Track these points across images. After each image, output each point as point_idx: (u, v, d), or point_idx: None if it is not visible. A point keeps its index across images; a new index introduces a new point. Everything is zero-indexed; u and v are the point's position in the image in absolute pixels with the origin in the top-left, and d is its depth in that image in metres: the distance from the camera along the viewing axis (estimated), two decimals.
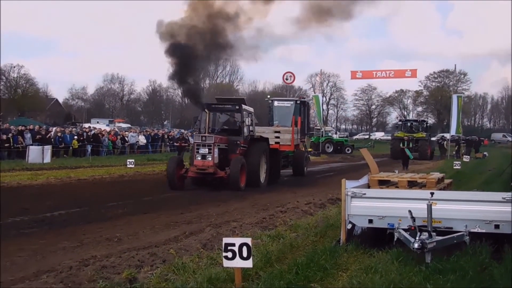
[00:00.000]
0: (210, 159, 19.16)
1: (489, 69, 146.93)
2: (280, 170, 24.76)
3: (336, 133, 71.97)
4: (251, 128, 22.21)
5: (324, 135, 58.35)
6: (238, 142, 20.71)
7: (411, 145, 36.83)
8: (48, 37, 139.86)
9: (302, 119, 28.65)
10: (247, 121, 21.58)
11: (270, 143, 23.76)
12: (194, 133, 27.67)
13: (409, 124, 54.87)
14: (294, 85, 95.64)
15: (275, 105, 30.91)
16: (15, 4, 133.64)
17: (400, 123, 58.46)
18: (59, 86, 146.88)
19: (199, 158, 19.34)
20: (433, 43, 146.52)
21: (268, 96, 39.92)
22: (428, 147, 49.07)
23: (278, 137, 26.02)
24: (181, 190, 19.38)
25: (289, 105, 30.30)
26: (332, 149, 56.81)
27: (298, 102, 30.28)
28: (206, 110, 20.85)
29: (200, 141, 19.49)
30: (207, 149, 19.21)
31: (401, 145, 35.32)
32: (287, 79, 51.56)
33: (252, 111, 23.08)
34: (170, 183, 19.54)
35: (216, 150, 19.37)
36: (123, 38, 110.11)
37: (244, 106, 21.41)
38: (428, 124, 57.91)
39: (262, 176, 21.45)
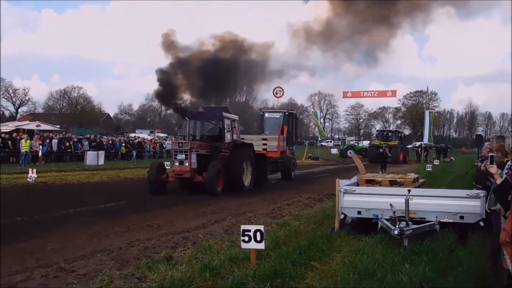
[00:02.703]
0: (187, 164, 16.70)
1: (456, 89, 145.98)
2: (269, 174, 22.37)
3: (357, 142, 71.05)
4: (234, 135, 19.29)
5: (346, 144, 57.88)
6: (220, 147, 18.12)
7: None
8: (102, 62, 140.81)
9: (289, 129, 26.38)
10: (228, 127, 18.62)
11: (258, 149, 21.70)
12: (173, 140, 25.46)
13: (385, 133, 54.23)
14: (297, 103, 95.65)
15: (265, 116, 28.91)
16: (76, 32, 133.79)
17: (378, 132, 57.97)
18: (110, 104, 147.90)
19: (177, 164, 16.92)
20: (410, 68, 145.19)
21: (260, 109, 38.38)
22: (401, 153, 48.06)
23: (265, 144, 23.35)
24: (162, 194, 16.71)
25: (278, 116, 27.86)
26: (352, 154, 54.48)
27: (287, 113, 28.02)
28: (187, 118, 18.93)
29: (177, 148, 17.12)
30: (184, 155, 16.78)
31: (380, 150, 34.99)
32: (276, 93, 47.38)
33: (236, 118, 20.31)
34: (150, 188, 16.87)
35: (193, 156, 16.96)
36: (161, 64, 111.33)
37: (226, 114, 18.70)
38: (402, 134, 57.29)
39: (247, 180, 18.75)
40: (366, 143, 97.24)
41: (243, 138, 21.40)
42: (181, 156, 16.86)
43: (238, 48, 20.23)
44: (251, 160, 19.12)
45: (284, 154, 24.53)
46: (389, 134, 53.60)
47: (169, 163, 18.35)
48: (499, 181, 5.61)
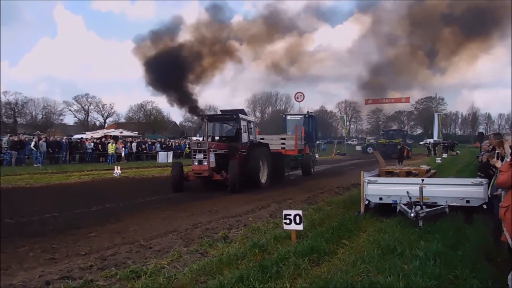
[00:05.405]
0: (205, 163, 14.85)
1: (460, 95, 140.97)
2: (289, 171, 20.34)
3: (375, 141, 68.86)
4: (251, 135, 17.16)
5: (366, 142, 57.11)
6: (237, 147, 16.01)
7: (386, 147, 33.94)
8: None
9: (309, 129, 24.10)
10: (244, 128, 16.59)
11: (277, 148, 19.75)
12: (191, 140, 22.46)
13: (390, 133, 51.28)
14: (327, 109, 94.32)
15: (287, 119, 26.05)
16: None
17: (383, 132, 55.42)
18: (177, 114, 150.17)
19: (196, 163, 15.09)
20: (422, 78, 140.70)
21: (282, 113, 36.43)
22: (404, 149, 45.45)
23: (284, 143, 21.27)
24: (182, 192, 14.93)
25: (299, 118, 25.16)
26: (372, 151, 49.96)
27: (307, 116, 25.67)
28: (205, 120, 16.87)
29: (196, 148, 15.21)
30: (202, 155, 14.91)
31: (398, 146, 33.76)
32: (298, 98, 43.11)
33: (253, 120, 18.40)
34: (173, 185, 15.05)
35: (212, 155, 15.01)
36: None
37: (242, 116, 16.70)
38: (404, 132, 54.64)
39: (264, 177, 16.55)
40: None
41: (263, 138, 19.83)
42: (199, 156, 15.05)
43: None
44: (267, 158, 16.94)
45: (303, 152, 22.26)
46: (393, 133, 50.54)
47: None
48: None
